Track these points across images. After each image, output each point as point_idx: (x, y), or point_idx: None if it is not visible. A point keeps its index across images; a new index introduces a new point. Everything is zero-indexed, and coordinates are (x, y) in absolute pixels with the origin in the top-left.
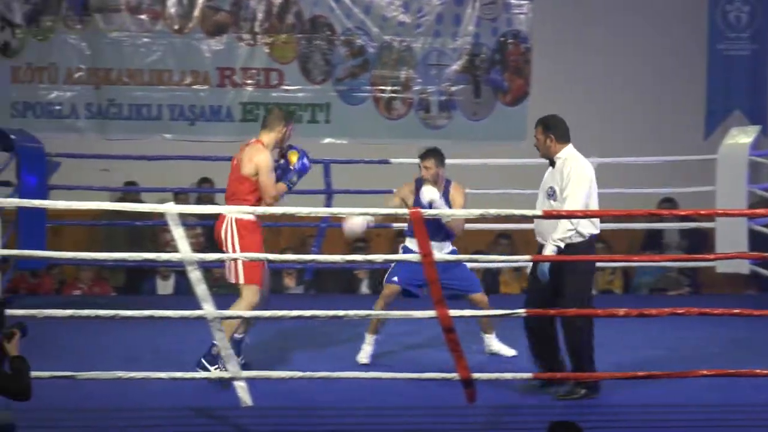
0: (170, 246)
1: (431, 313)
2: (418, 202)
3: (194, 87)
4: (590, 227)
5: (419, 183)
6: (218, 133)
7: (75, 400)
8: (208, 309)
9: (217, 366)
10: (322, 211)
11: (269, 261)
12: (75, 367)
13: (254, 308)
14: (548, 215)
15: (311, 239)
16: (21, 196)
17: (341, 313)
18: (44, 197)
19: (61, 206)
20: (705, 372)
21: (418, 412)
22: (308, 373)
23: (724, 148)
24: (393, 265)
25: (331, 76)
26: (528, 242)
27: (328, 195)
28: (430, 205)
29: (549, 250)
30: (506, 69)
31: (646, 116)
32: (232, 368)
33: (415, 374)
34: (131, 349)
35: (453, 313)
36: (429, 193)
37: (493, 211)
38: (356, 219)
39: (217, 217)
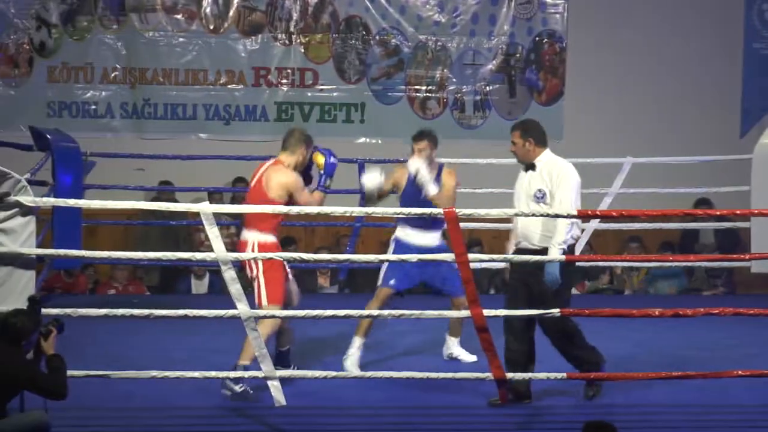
0: (205, 245)
1: (466, 313)
2: (409, 186)
3: (229, 86)
4: (577, 230)
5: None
6: (253, 132)
7: (109, 399)
8: (243, 308)
9: (242, 385)
10: (357, 210)
11: (303, 260)
12: (109, 366)
13: (277, 326)
14: (584, 214)
15: (346, 239)
16: (56, 196)
17: (375, 312)
18: (79, 196)
19: (96, 206)
20: (740, 372)
21: (451, 412)
22: (342, 373)
23: (760, 147)
24: (386, 265)
25: (366, 75)
26: None
27: (363, 195)
28: (416, 176)
29: (556, 253)
30: (541, 68)
31: (681, 116)
32: (266, 368)
33: (449, 374)
34: (165, 348)
35: (487, 312)
36: (415, 162)
37: (527, 210)
38: (372, 173)
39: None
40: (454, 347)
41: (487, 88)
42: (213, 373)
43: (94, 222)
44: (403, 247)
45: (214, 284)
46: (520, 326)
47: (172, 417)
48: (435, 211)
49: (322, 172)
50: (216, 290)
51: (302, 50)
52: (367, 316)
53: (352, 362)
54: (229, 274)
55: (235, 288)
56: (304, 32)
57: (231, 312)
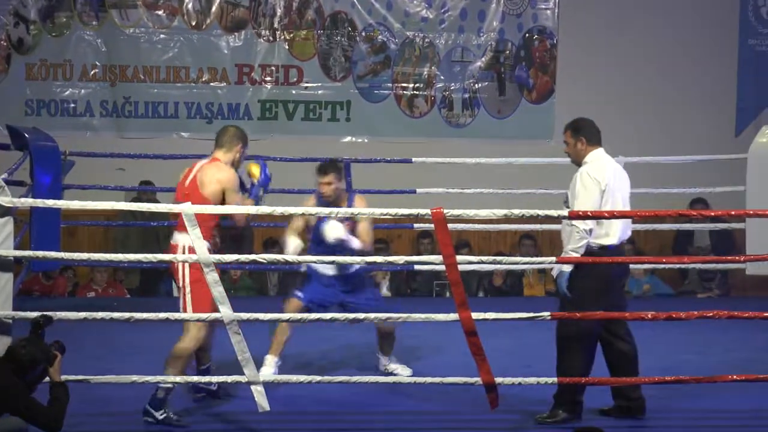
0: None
1: (454, 316)
2: (319, 225)
3: (212, 84)
4: (604, 238)
5: (320, 198)
6: None
7: (89, 404)
8: (225, 311)
9: (163, 411)
10: (343, 211)
11: (288, 263)
12: (89, 370)
13: (200, 342)
14: (574, 216)
15: None
16: (35, 196)
17: (361, 316)
18: (58, 197)
19: (75, 206)
20: (735, 377)
21: (439, 417)
22: (327, 377)
23: (755, 146)
24: (301, 279)
25: (352, 73)
26: (553, 243)
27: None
28: (337, 242)
29: (557, 266)
30: (532, 66)
31: (675, 114)
32: (249, 372)
33: (437, 378)
34: (146, 352)
35: (476, 316)
36: (333, 231)
37: (517, 212)
38: (335, 224)
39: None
40: (389, 363)
41: (476, 85)
42: (195, 378)
43: (74, 223)
44: (317, 276)
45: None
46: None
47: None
48: (422, 211)
49: (255, 182)
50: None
51: (286, 47)
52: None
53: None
54: (212, 277)
55: (217, 291)
56: (289, 28)
57: (213, 315)
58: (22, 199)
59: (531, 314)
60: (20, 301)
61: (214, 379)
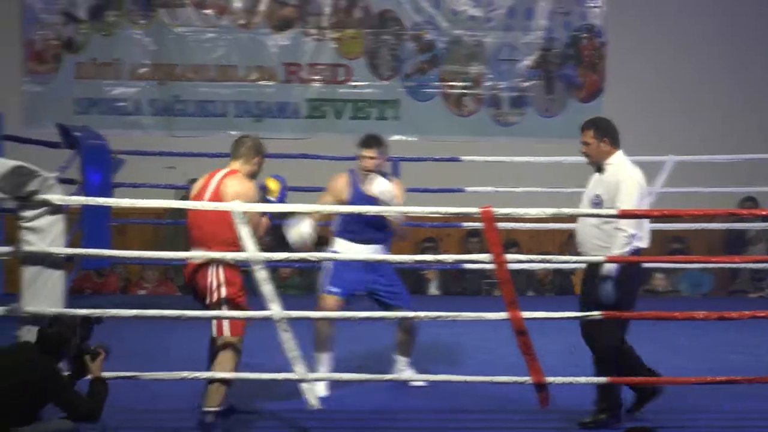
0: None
1: (503, 315)
2: (357, 196)
3: (260, 83)
4: (639, 242)
5: (354, 175)
6: (284, 130)
7: (140, 400)
8: (275, 309)
9: None
10: (392, 210)
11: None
12: (140, 367)
13: (239, 361)
14: (625, 215)
15: None
16: (85, 194)
17: (411, 314)
18: (108, 195)
19: (125, 204)
20: None
21: (487, 417)
22: (376, 376)
23: None
24: (326, 273)
25: (400, 71)
26: None
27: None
28: (381, 195)
29: (608, 268)
30: (580, 64)
31: (724, 112)
32: (299, 370)
33: (487, 377)
34: (197, 349)
35: (525, 315)
36: (381, 184)
37: (566, 210)
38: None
39: (196, 267)
40: (405, 368)
41: (524, 84)
42: (244, 375)
43: (124, 221)
44: (341, 263)
45: (246, 284)
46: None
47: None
48: (471, 210)
49: (272, 198)
50: (248, 290)
51: (334, 46)
52: (402, 318)
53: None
54: (261, 275)
55: (267, 288)
56: (337, 27)
57: (263, 313)
58: (73, 197)
59: (581, 314)
60: (72, 299)
61: (264, 376)
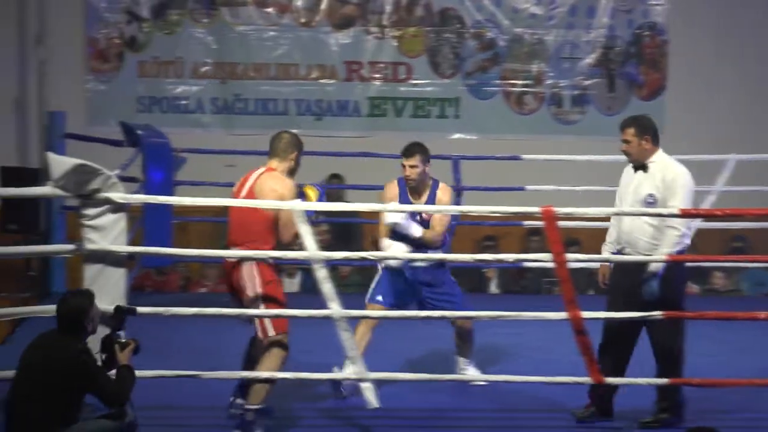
0: (296, 243)
1: (563, 314)
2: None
3: (321, 81)
4: (687, 239)
5: (402, 184)
6: (345, 128)
7: (201, 398)
8: (335, 308)
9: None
10: (452, 208)
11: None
12: (201, 365)
13: (285, 359)
14: (687, 214)
15: None
16: (147, 192)
17: (472, 313)
18: (170, 193)
19: (187, 202)
20: None
21: (545, 416)
22: (437, 375)
23: None
24: (376, 280)
25: (461, 69)
26: None
27: (458, 192)
28: (393, 227)
29: (657, 266)
30: (642, 62)
31: None
32: (357, 369)
33: (547, 377)
34: None
35: (585, 314)
36: (391, 216)
37: (628, 209)
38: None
39: (233, 265)
40: (466, 367)
41: (586, 82)
42: (305, 375)
43: (185, 219)
44: (392, 273)
45: (306, 283)
46: (620, 336)
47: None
48: (531, 209)
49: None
50: (308, 289)
51: (395, 44)
52: (461, 317)
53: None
54: (322, 273)
55: (327, 287)
56: (398, 25)
57: (323, 312)
58: (135, 196)
59: (643, 313)
60: (133, 296)
61: (324, 376)
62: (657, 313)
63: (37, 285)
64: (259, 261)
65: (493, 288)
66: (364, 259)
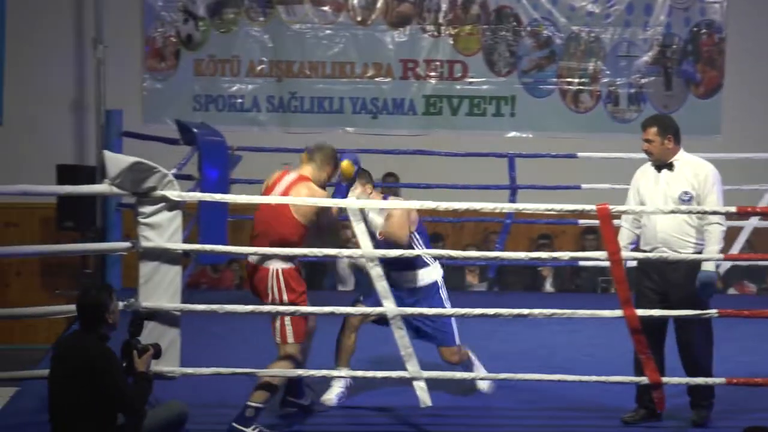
0: (351, 241)
1: (618, 313)
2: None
3: (377, 79)
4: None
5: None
6: (401, 126)
7: None
8: (389, 306)
9: (255, 426)
10: (507, 206)
11: (451, 257)
12: (256, 363)
13: (296, 364)
14: (743, 211)
15: (495, 235)
16: (202, 190)
17: (525, 311)
18: (225, 191)
19: (242, 200)
20: None
21: (601, 415)
22: (490, 374)
23: None
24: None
25: (517, 68)
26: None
27: (513, 190)
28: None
29: (712, 265)
30: (699, 60)
31: None
32: (411, 368)
33: (602, 377)
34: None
35: (640, 313)
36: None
37: (684, 208)
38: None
39: (255, 266)
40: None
41: (642, 80)
42: (357, 373)
43: (240, 217)
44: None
45: (360, 281)
46: (652, 335)
47: (316, 415)
48: (587, 207)
49: (345, 183)
50: (362, 287)
51: (451, 42)
52: (518, 315)
53: (334, 394)
54: (376, 271)
55: (381, 285)
56: (454, 23)
57: (378, 309)
58: (191, 193)
59: (698, 312)
60: (188, 294)
61: (379, 374)
62: (713, 312)
63: (93, 282)
64: (286, 270)
65: (548, 287)
66: (417, 257)
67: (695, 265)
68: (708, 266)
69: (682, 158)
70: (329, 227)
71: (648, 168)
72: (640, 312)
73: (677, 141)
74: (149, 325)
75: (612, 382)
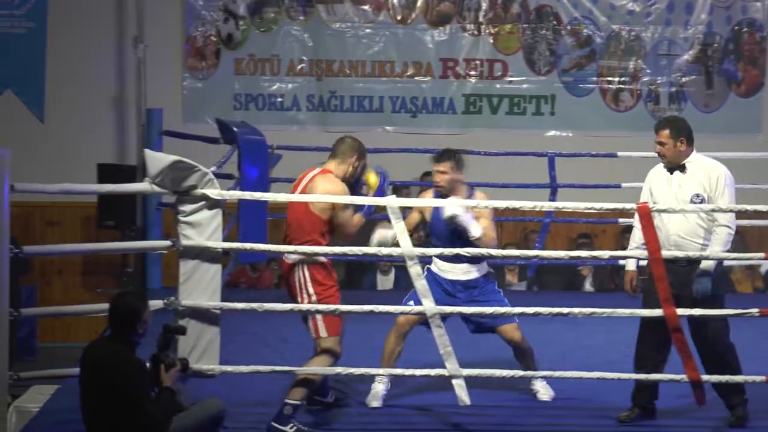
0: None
1: (658, 312)
2: (437, 222)
3: (416, 78)
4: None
5: (437, 193)
6: (440, 125)
7: None
8: (428, 305)
9: (292, 425)
10: (546, 205)
11: (491, 257)
12: (295, 361)
13: (337, 360)
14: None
15: (534, 234)
16: (242, 189)
17: (565, 310)
18: (265, 190)
19: (282, 199)
20: None
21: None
22: (529, 372)
23: None
24: (411, 292)
25: (557, 66)
26: (762, 239)
27: (553, 189)
28: (451, 220)
29: (710, 264)
30: (740, 59)
31: None
32: (450, 366)
33: (641, 375)
34: (350, 344)
35: (681, 312)
36: (452, 208)
37: (724, 206)
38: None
39: (290, 266)
40: (532, 383)
41: (683, 79)
42: (396, 371)
43: (280, 216)
44: (434, 281)
45: (400, 280)
46: (658, 336)
47: (354, 414)
48: (627, 206)
49: (371, 192)
50: (402, 286)
51: (491, 41)
52: (557, 314)
53: (379, 395)
54: (415, 270)
55: (420, 284)
56: (494, 22)
57: (417, 308)
58: (231, 192)
59: (739, 311)
60: (228, 292)
61: (418, 372)
62: (754, 310)
63: (134, 281)
64: (311, 263)
65: (588, 286)
66: (458, 255)
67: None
68: (706, 265)
69: (695, 160)
70: (340, 226)
71: (660, 169)
72: (680, 311)
73: (690, 143)
74: (189, 323)
75: (651, 381)
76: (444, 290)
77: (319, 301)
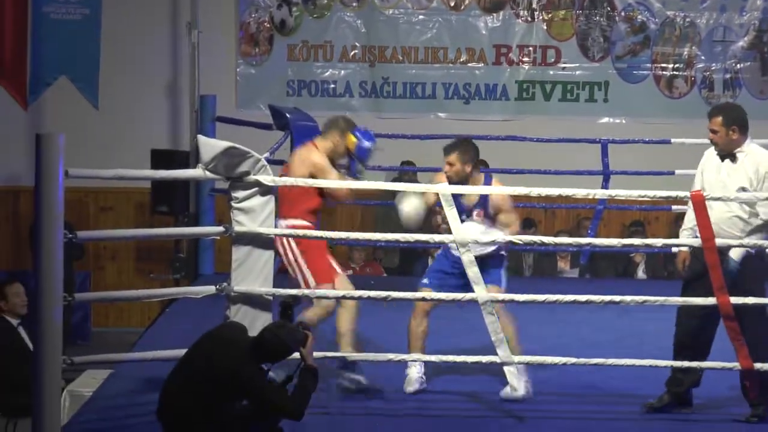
0: (442, 227)
1: (712, 300)
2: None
3: (469, 65)
4: None
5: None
6: (493, 112)
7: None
8: (480, 292)
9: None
10: (599, 192)
11: (543, 244)
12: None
13: (332, 310)
14: None
15: (587, 221)
16: None
17: (617, 298)
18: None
19: (333, 186)
20: None
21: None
22: (582, 360)
23: None
24: (429, 267)
25: (610, 53)
26: None
27: (606, 176)
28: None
29: (741, 252)
30: None
31: None
32: (502, 353)
33: (694, 363)
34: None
35: (734, 300)
36: (473, 229)
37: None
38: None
39: None
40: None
41: (738, 65)
42: (447, 357)
43: (333, 203)
44: (449, 255)
45: (420, 264)
46: (696, 322)
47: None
48: (681, 193)
49: (352, 156)
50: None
51: (545, 27)
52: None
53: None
54: (467, 257)
55: (472, 271)
56: (547, 9)
57: (469, 295)
58: (284, 178)
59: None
60: (279, 279)
61: (470, 359)
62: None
63: (187, 266)
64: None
65: (641, 273)
66: (510, 243)
67: (747, 255)
68: (735, 253)
69: (748, 150)
70: (329, 195)
71: (713, 154)
72: (734, 300)
73: (743, 132)
74: (241, 308)
75: (703, 368)
76: (452, 263)
77: (303, 253)
